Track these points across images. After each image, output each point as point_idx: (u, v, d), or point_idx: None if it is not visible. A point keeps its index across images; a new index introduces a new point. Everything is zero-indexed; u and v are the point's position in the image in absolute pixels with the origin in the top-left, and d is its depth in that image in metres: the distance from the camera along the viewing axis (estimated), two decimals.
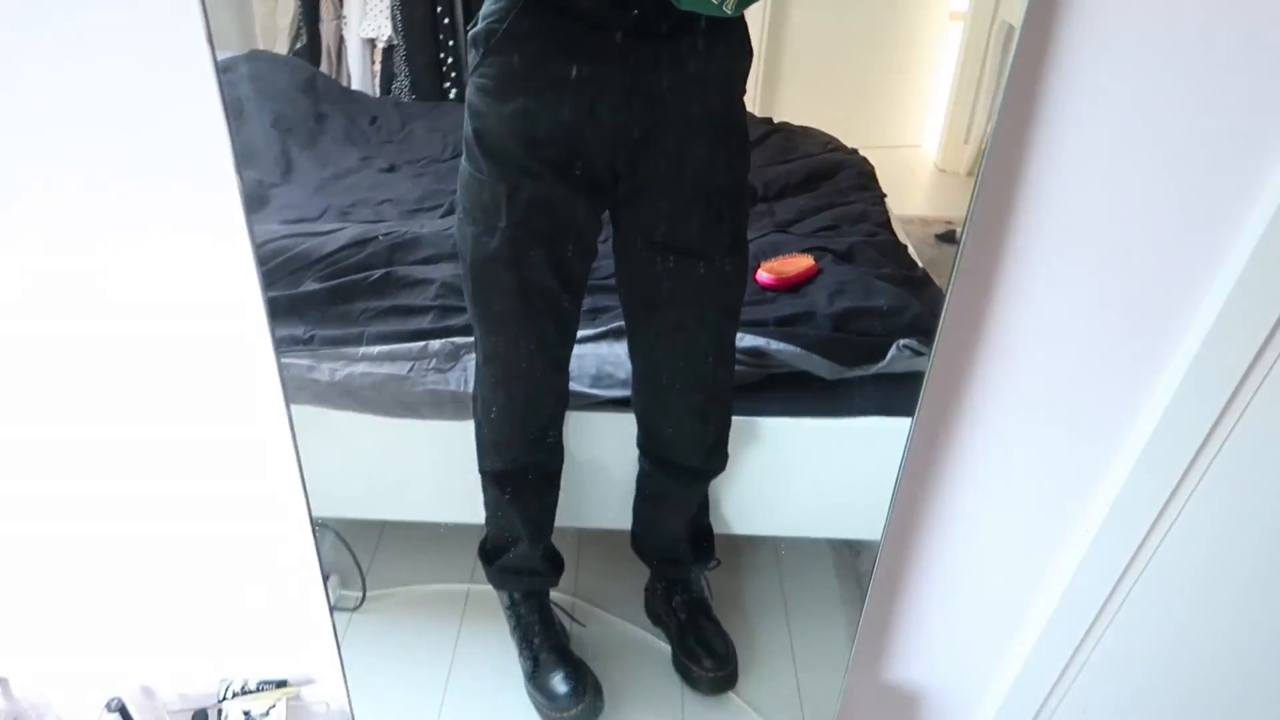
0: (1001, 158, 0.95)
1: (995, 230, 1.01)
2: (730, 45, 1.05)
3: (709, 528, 1.38)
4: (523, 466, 1.31)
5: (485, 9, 1.01)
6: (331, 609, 1.36)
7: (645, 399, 1.29)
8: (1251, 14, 0.81)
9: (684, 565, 1.43)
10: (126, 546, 1.33)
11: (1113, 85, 0.89)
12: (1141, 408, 1.06)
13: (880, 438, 1.37)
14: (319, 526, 1.28)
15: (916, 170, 3.07)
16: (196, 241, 1.06)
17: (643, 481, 1.36)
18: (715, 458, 1.32)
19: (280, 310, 1.35)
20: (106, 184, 1.00)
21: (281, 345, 1.31)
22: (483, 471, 1.34)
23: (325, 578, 1.32)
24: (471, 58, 1.02)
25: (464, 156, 1.07)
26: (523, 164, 1.06)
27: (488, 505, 1.36)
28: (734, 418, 1.33)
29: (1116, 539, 1.14)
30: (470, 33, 1.02)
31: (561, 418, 1.31)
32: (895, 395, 1.36)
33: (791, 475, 1.40)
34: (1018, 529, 1.25)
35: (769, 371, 1.33)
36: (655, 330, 1.24)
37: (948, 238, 2.50)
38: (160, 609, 1.41)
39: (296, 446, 1.19)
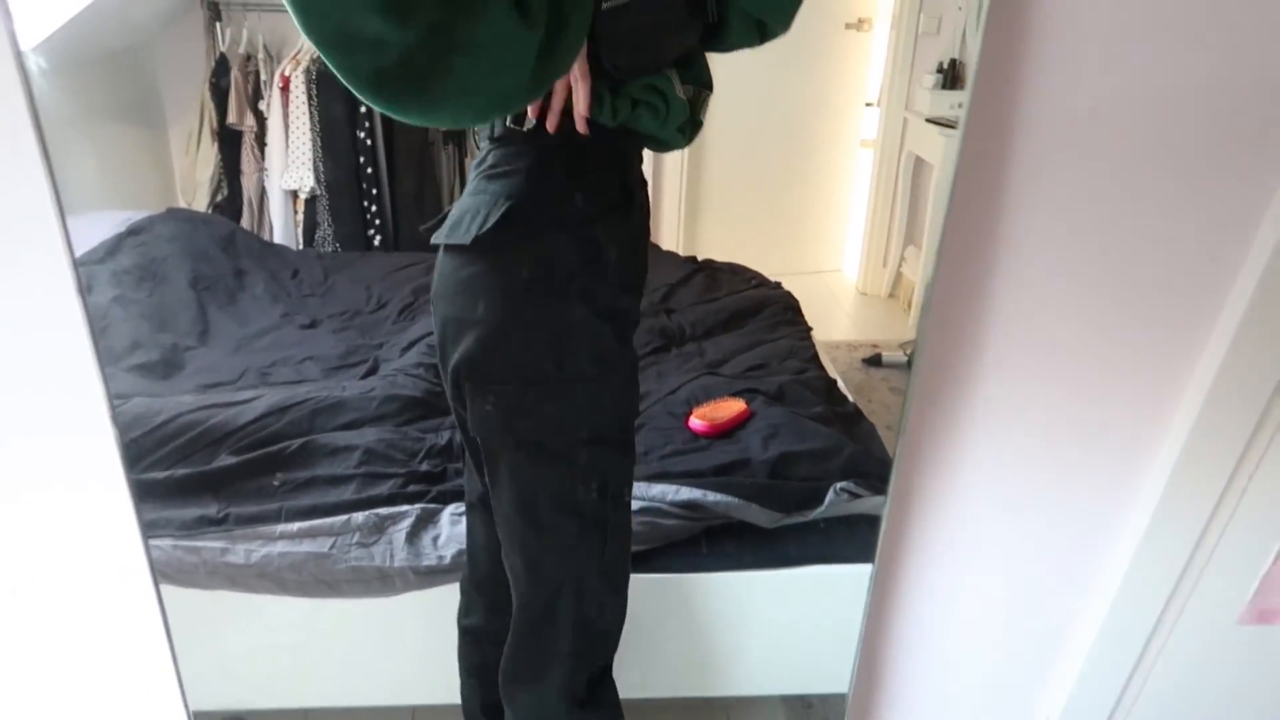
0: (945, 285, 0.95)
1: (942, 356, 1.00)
2: None
3: None
4: None
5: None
6: None
7: None
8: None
9: None
10: None
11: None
12: (1110, 553, 1.04)
13: (825, 586, 1.34)
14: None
15: (839, 295, 3.15)
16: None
17: None
18: None
19: (192, 488, 1.28)
20: None
21: (192, 527, 1.25)
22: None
23: None
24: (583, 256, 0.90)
25: (570, 378, 0.92)
26: None
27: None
28: (672, 575, 1.28)
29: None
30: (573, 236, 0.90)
31: None
32: (836, 541, 1.33)
33: (736, 631, 1.35)
34: (986, 675, 1.21)
35: (706, 524, 1.30)
36: None
37: (874, 361, 2.55)
38: None
39: (169, 634, 1.08)
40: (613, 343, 0.92)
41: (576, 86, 0.82)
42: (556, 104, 0.84)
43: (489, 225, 0.85)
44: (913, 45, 2.75)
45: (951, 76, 2.73)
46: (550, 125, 0.85)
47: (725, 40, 0.91)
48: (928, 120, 2.62)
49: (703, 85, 0.94)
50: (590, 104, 0.83)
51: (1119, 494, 1.02)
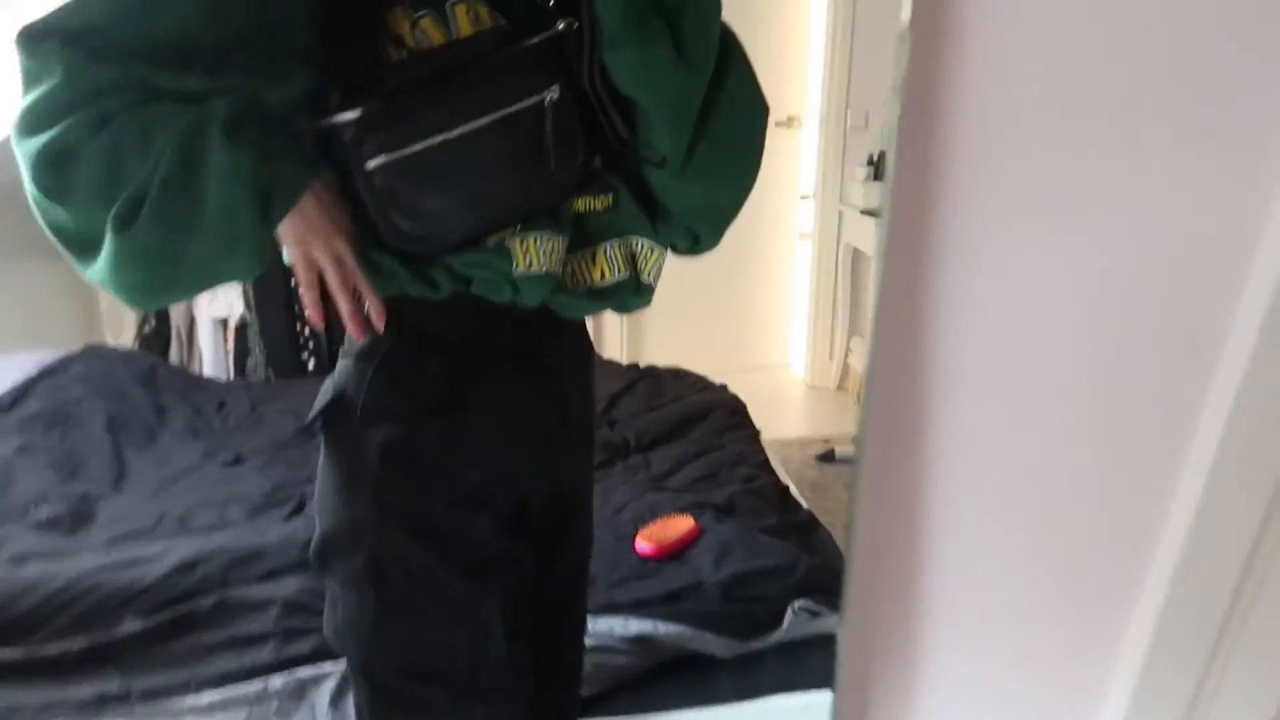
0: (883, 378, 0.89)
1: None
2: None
3: None
4: None
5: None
6: None
7: None
8: None
9: None
10: None
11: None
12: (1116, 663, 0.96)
13: (792, 716, 1.25)
14: None
15: (788, 389, 3.11)
16: None
17: None
18: None
19: (91, 662, 1.16)
20: None
21: (91, 707, 1.13)
22: None
23: None
24: (393, 464, 0.76)
25: (382, 600, 0.77)
26: None
27: None
28: (626, 718, 1.18)
29: None
30: (381, 440, 0.76)
31: None
32: (800, 666, 1.25)
33: None
34: None
35: (660, 658, 1.21)
36: None
37: (828, 457, 2.49)
38: None
39: None
40: (436, 568, 0.76)
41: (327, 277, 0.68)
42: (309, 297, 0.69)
43: (311, 418, 0.76)
44: (842, 140, 2.80)
45: (881, 169, 2.78)
46: (314, 319, 0.70)
47: (664, 232, 0.82)
48: (863, 212, 2.64)
49: (654, 241, 0.80)
50: (343, 304, 0.69)
51: (1108, 592, 0.95)
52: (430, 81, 0.65)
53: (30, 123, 0.60)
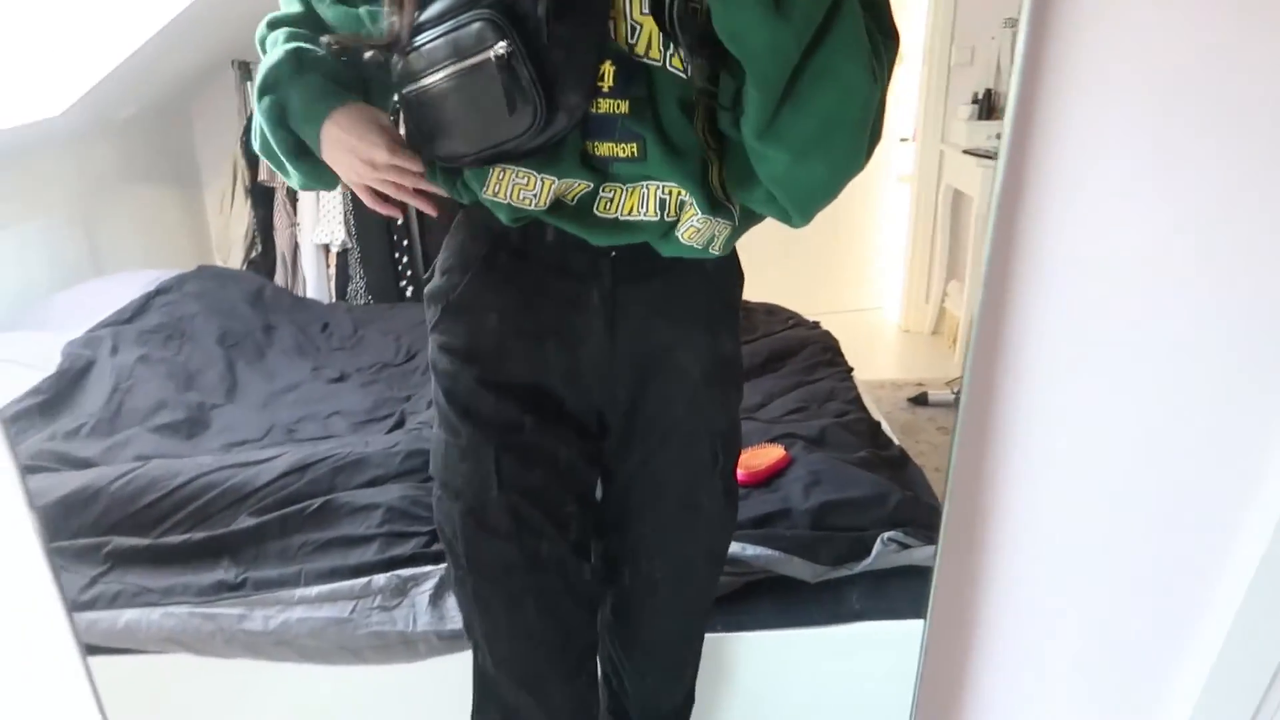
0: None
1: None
2: (717, 276, 0.92)
3: None
4: None
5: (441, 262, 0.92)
6: None
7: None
8: None
9: None
10: None
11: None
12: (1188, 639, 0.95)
13: (874, 643, 1.25)
14: None
15: (881, 333, 3.05)
16: None
17: None
18: (684, 711, 1.17)
19: (209, 552, 1.24)
20: None
21: (209, 592, 1.20)
22: None
23: None
24: (429, 313, 0.92)
25: (436, 423, 0.92)
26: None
27: None
28: (713, 635, 1.21)
29: None
30: (426, 288, 0.92)
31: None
32: (886, 595, 1.25)
33: (778, 693, 1.27)
34: None
35: (747, 579, 1.22)
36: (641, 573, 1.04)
37: (920, 400, 2.45)
38: None
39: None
40: (442, 400, 0.90)
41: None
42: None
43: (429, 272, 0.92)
44: (946, 77, 2.70)
45: (987, 107, 2.67)
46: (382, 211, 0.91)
47: (749, 196, 0.82)
48: (965, 152, 2.55)
49: (698, 198, 0.80)
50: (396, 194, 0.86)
51: (1199, 539, 0.93)
52: (415, 31, 0.76)
53: None
